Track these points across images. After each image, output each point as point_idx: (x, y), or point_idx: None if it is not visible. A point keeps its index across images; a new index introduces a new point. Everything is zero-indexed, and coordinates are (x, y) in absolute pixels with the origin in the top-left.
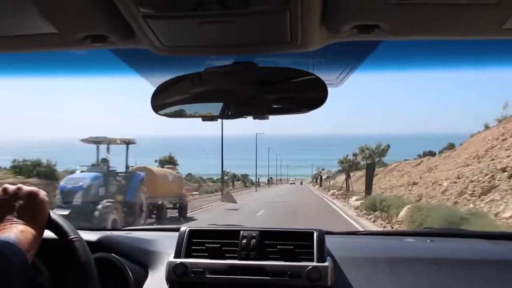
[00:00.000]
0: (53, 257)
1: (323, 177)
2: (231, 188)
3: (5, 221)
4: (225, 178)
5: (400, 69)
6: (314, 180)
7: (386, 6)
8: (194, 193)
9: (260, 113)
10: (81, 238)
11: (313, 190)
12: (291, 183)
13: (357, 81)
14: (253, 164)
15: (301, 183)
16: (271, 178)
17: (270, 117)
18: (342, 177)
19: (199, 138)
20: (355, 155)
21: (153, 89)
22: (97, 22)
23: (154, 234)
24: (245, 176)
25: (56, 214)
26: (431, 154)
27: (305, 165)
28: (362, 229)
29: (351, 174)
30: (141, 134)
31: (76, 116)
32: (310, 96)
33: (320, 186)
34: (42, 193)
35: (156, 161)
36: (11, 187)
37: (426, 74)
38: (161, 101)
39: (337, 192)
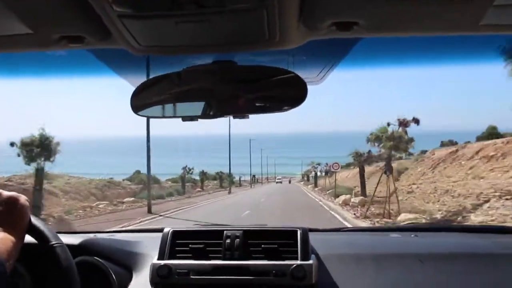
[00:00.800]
0: (34, 262)
1: (319, 174)
2: (198, 189)
3: None
4: (196, 178)
5: (381, 65)
6: (305, 178)
7: (364, 3)
8: (126, 200)
9: (241, 112)
10: (62, 243)
11: (307, 192)
12: (277, 182)
13: (341, 78)
14: (239, 162)
15: (289, 182)
16: (254, 176)
17: (255, 115)
18: (342, 174)
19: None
20: (404, 123)
21: (132, 89)
22: (72, 23)
23: (138, 236)
24: (220, 174)
25: (37, 219)
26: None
27: (295, 163)
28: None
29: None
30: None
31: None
32: (290, 94)
33: (315, 186)
34: (23, 198)
35: (12, 144)
36: None
37: (410, 70)
38: (141, 102)
39: (353, 200)
